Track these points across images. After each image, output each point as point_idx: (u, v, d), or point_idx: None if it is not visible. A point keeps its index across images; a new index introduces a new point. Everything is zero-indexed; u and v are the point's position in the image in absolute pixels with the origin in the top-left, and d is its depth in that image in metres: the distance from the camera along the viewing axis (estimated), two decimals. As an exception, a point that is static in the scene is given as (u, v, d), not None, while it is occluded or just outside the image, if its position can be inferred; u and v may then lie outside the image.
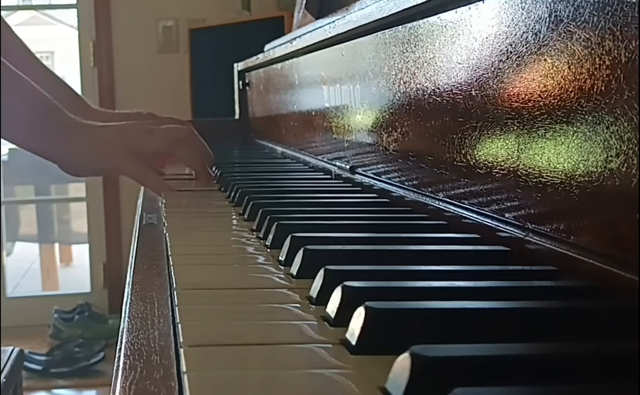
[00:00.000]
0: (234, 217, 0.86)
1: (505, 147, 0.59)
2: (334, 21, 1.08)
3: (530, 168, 0.56)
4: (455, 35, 0.68)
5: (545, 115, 0.53)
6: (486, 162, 0.63)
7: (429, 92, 0.75)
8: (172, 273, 0.56)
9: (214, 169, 1.16)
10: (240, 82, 2.03)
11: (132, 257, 0.65)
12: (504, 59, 0.60)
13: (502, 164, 0.60)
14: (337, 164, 1.12)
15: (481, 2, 0.63)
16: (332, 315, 0.44)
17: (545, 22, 0.53)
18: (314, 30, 1.21)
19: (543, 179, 0.54)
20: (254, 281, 0.56)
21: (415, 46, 0.78)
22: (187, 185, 1.07)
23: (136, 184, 1.12)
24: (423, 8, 0.74)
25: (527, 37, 0.56)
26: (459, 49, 0.67)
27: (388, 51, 0.87)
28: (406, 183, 0.83)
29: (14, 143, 0.99)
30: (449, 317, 0.40)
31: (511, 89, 0.58)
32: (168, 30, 3.58)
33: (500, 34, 0.60)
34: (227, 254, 0.67)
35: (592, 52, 0.48)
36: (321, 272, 0.49)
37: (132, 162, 0.97)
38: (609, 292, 0.45)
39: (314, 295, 0.49)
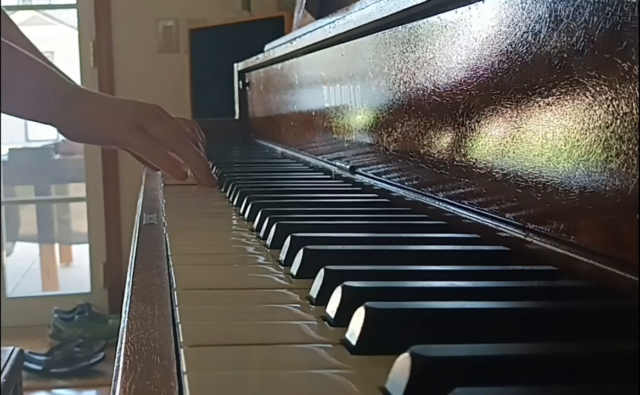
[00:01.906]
0: (234, 217, 0.86)
1: (505, 147, 0.59)
2: (334, 21, 1.08)
3: (530, 168, 0.56)
4: (455, 35, 0.68)
5: (545, 115, 0.53)
6: (486, 162, 0.63)
7: (429, 92, 0.75)
8: (172, 273, 0.56)
9: (214, 169, 1.16)
10: (240, 82, 2.03)
11: (132, 257, 0.65)
12: (504, 59, 0.60)
13: (502, 163, 0.60)
14: (337, 164, 1.12)
15: (481, 2, 0.63)
16: (332, 315, 0.44)
17: (545, 22, 0.53)
18: (314, 30, 1.21)
19: (543, 179, 0.54)
20: (254, 281, 0.56)
21: (415, 46, 0.78)
22: (188, 184, 1.07)
23: (136, 184, 1.12)
24: (423, 8, 0.74)
25: (527, 37, 0.56)
26: (459, 49, 0.67)
27: (388, 51, 0.87)
28: (406, 183, 0.83)
29: (14, 114, 0.96)
30: (449, 317, 0.40)
31: (511, 89, 0.58)
32: (168, 30, 3.58)
33: (500, 34, 0.60)
34: (227, 254, 0.67)
35: (592, 52, 0.48)
36: (321, 272, 0.49)
37: (136, 136, 0.96)
38: (609, 292, 0.45)
39: (314, 295, 0.49)
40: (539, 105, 0.54)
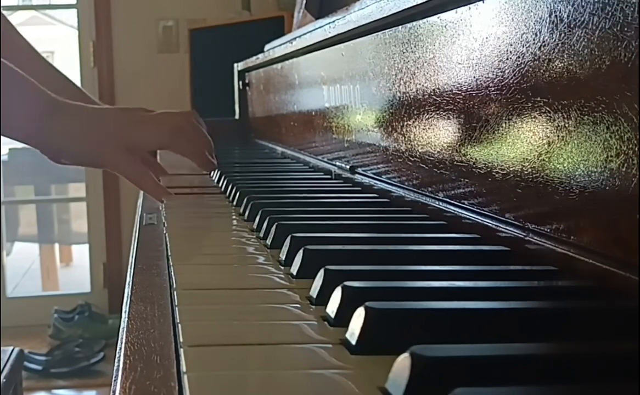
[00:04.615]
0: (234, 217, 0.86)
1: (505, 147, 0.59)
2: (334, 21, 1.08)
3: (530, 168, 0.56)
4: (455, 35, 0.68)
5: (545, 115, 0.53)
6: (486, 162, 0.63)
7: (429, 92, 0.75)
8: (172, 273, 0.56)
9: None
10: (240, 82, 2.03)
11: (132, 257, 0.65)
12: (504, 59, 0.60)
13: (502, 164, 0.60)
14: (337, 164, 1.12)
15: (481, 2, 0.63)
16: (332, 315, 0.44)
17: (545, 22, 0.53)
18: (314, 30, 1.21)
19: (543, 179, 0.54)
20: (254, 281, 0.56)
21: (415, 46, 0.78)
22: (186, 182, 1.07)
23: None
24: (423, 8, 0.74)
25: (527, 37, 0.56)
26: (459, 49, 0.67)
27: (388, 51, 0.87)
28: (406, 183, 0.83)
29: None
30: (449, 317, 0.40)
31: (511, 89, 0.58)
32: (168, 30, 3.58)
33: (500, 34, 0.60)
34: (227, 254, 0.67)
35: (592, 52, 0.48)
36: (321, 272, 0.49)
37: (126, 160, 0.86)
38: (609, 292, 0.45)
39: (314, 295, 0.49)
40: (539, 105, 0.54)
